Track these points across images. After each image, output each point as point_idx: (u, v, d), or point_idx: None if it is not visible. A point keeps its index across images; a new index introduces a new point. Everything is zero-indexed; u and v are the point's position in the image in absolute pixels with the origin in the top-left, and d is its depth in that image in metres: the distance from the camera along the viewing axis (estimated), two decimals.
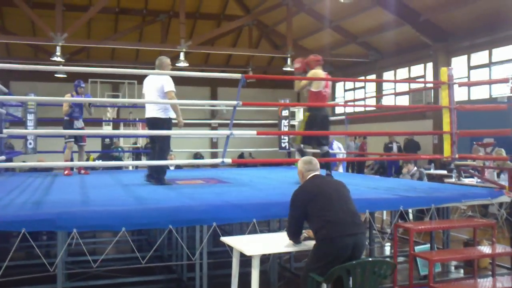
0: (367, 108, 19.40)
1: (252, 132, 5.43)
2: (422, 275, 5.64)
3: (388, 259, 4.25)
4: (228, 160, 5.24)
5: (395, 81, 19.92)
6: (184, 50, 16.92)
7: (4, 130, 4.73)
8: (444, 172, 11.85)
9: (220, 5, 21.17)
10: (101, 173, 9.05)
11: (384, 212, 8.31)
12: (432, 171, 12.58)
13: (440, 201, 5.42)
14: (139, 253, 4.53)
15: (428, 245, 5.94)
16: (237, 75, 5.10)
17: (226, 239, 4.43)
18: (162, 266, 6.12)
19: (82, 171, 8.31)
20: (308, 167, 4.13)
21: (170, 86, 6.22)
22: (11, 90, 22.22)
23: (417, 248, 5.67)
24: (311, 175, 4.10)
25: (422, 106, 14.59)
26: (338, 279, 3.58)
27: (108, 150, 14.89)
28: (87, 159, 16.40)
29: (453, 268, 6.33)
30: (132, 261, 4.87)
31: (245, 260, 4.22)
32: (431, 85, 14.27)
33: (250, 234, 4.69)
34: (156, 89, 6.26)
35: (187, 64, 17.43)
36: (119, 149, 15.81)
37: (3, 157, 6.15)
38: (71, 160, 8.17)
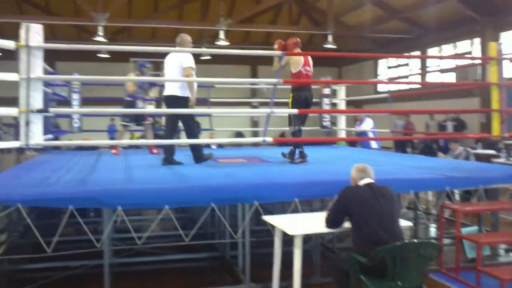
0: (411, 86, 18.94)
1: (294, 111, 5.35)
2: (469, 258, 5.49)
3: (433, 241, 4.13)
4: (269, 139, 5.20)
5: (440, 57, 19.32)
6: (223, 28, 16.86)
7: (51, 109, 4.81)
8: (493, 152, 11.46)
9: None
10: (146, 152, 9.14)
11: (430, 192, 8.11)
12: (479, 151, 12.19)
13: (488, 181, 5.24)
14: (184, 231, 4.58)
15: (475, 227, 5.77)
16: (278, 52, 5.03)
17: (268, 218, 4.42)
18: (206, 244, 6.17)
19: (155, 151, 8.38)
20: (361, 175, 4.02)
21: (188, 61, 6.11)
22: (56, 70, 22.88)
23: (464, 230, 5.51)
24: (363, 182, 3.98)
25: (469, 83, 14.07)
26: (381, 260, 3.52)
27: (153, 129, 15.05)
28: (131, 138, 16.71)
29: (502, 251, 6.14)
30: (176, 239, 4.92)
31: (287, 239, 4.20)
32: (478, 61, 13.75)
33: (292, 213, 4.68)
34: (177, 66, 6.17)
35: (227, 43, 17.37)
36: (163, 127, 15.97)
37: (50, 136, 6.30)
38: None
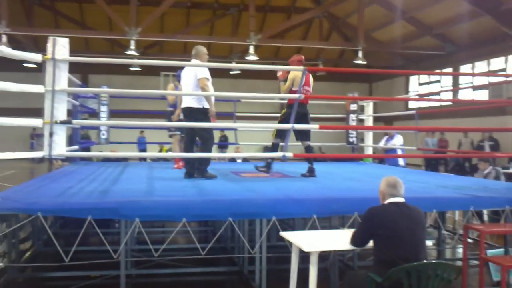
0: (443, 103, 18.64)
1: (315, 126, 5.33)
2: (495, 281, 5.30)
3: (451, 262, 4.01)
4: (289, 154, 5.17)
5: (473, 74, 18.98)
6: (253, 43, 16.98)
7: (74, 121, 4.91)
8: None
9: None
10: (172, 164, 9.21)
11: (457, 212, 7.92)
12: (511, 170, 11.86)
13: None
14: (205, 244, 4.58)
15: (502, 249, 5.58)
16: (300, 68, 5.01)
17: (285, 234, 4.38)
18: (226, 258, 6.16)
19: (181, 163, 8.14)
20: (391, 191, 3.80)
21: (203, 72, 6.05)
22: (89, 82, 23.47)
23: (490, 252, 5.33)
24: (391, 200, 3.79)
25: (501, 100, 13.80)
26: (398, 280, 3.43)
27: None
28: (160, 151, 16.93)
29: None
30: (196, 252, 4.91)
31: (306, 256, 4.14)
32: None
33: (312, 230, 4.62)
34: (192, 78, 6.14)
35: (257, 58, 17.48)
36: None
37: (76, 147, 6.42)
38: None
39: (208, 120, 6.18)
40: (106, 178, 6.28)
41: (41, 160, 10.73)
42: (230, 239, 6.48)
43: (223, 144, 16.91)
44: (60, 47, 4.59)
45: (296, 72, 6.44)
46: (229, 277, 5.70)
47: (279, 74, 6.80)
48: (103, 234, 6.14)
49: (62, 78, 4.58)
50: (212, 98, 6.27)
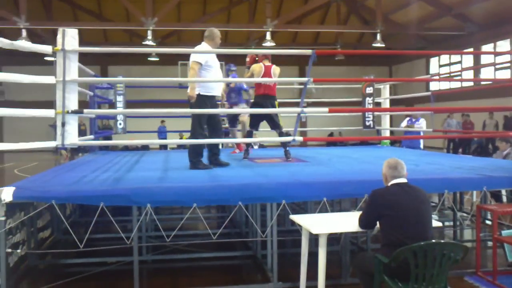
0: (464, 84, 18.32)
1: (324, 109, 5.32)
2: (510, 262, 5.27)
3: (459, 243, 3.98)
4: (299, 138, 5.19)
5: (494, 53, 18.54)
6: (270, 29, 16.92)
7: (85, 110, 5.00)
8: None
9: None
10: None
11: (474, 193, 7.83)
12: None
13: None
14: (222, 229, 4.63)
15: None
16: (308, 51, 5.00)
17: (295, 217, 4.41)
18: (241, 243, 6.23)
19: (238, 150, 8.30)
20: (393, 172, 3.82)
21: (194, 56, 5.64)
22: (109, 73, 23.71)
23: (505, 232, 5.29)
24: (394, 181, 3.81)
25: None
26: (404, 260, 3.43)
27: None
28: (180, 138, 17.07)
29: None
30: (210, 237, 4.96)
31: (317, 239, 4.17)
32: None
33: (322, 213, 4.65)
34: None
35: (274, 44, 17.42)
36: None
37: (91, 136, 6.53)
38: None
39: (198, 106, 5.69)
40: (121, 167, 6.38)
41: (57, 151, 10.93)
42: (245, 224, 6.55)
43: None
44: (70, 38, 4.66)
45: (255, 65, 6.80)
46: (243, 261, 5.77)
47: (247, 59, 7.05)
48: (122, 222, 6.31)
49: (73, 69, 4.66)
50: (197, 82, 5.70)
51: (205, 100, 5.75)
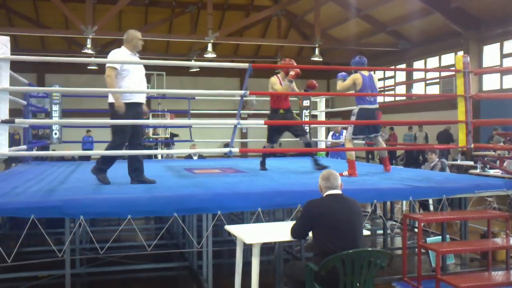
0: (397, 98, 19.17)
1: (260, 122, 5.45)
2: (434, 267, 5.56)
3: (385, 250, 4.18)
4: (235, 150, 5.28)
5: (424, 70, 19.61)
6: (212, 41, 17.00)
7: (17, 120, 4.87)
8: (471, 163, 11.60)
9: None
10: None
11: (404, 202, 8.20)
12: (459, 162, 12.34)
13: (451, 191, 5.31)
14: (159, 240, 4.60)
15: (440, 237, 5.85)
16: (244, 65, 5.13)
17: (230, 228, 4.48)
18: (179, 254, 6.23)
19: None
20: (326, 183, 3.95)
21: (109, 61, 5.24)
22: (46, 82, 22.99)
23: (430, 240, 5.59)
24: (327, 193, 3.94)
25: (438, 94, 14.35)
26: (333, 269, 3.57)
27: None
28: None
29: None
30: (151, 249, 4.91)
31: (251, 249, 4.25)
32: None
33: (257, 223, 4.75)
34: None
35: (215, 55, 17.51)
36: (150, 139, 16.20)
37: (24, 147, 6.35)
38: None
39: (120, 116, 5.18)
40: (55, 178, 6.24)
41: None
42: (182, 235, 6.55)
43: (168, 142, 16.91)
44: (0, 45, 4.55)
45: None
46: (179, 272, 5.78)
47: (292, 73, 6.71)
48: (56, 234, 6.15)
49: (3, 78, 4.54)
50: (115, 89, 5.18)
51: (126, 109, 5.22)
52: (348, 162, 6.35)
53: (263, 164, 7.24)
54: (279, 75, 7.03)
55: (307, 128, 9.33)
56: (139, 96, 5.43)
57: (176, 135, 17.67)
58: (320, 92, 17.45)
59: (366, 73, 6.36)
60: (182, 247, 6.28)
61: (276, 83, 6.91)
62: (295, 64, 6.89)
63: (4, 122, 4.51)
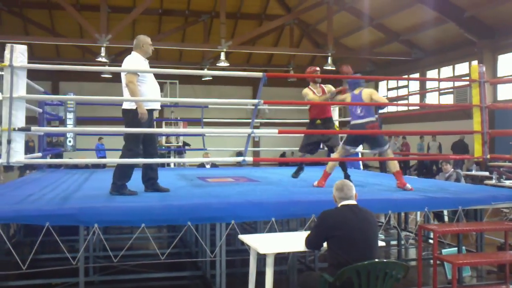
0: (410, 108, 19.05)
1: (274, 131, 5.43)
2: (450, 279, 5.49)
3: (401, 262, 4.14)
4: (249, 159, 5.26)
5: (429, 79, 19.72)
6: (224, 50, 17.07)
7: (33, 128, 4.91)
8: (486, 173, 11.46)
9: (261, 5, 21.27)
10: None
11: (418, 213, 8.12)
12: (474, 173, 12.21)
13: (468, 203, 5.25)
14: (173, 249, 4.58)
15: (456, 248, 5.77)
16: (258, 74, 5.11)
17: (244, 237, 4.46)
18: (191, 263, 6.21)
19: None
20: (339, 194, 3.92)
21: (128, 68, 5.19)
22: (60, 90, 23.21)
23: (445, 251, 5.53)
24: (342, 203, 3.91)
25: (453, 104, 14.21)
26: (348, 280, 3.54)
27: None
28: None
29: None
30: (165, 257, 4.90)
31: (266, 259, 4.23)
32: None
33: (271, 232, 4.72)
34: (123, 75, 5.24)
35: (228, 64, 17.57)
36: (163, 147, 16.28)
37: (39, 154, 6.39)
38: None
39: (137, 123, 5.11)
40: (69, 185, 6.27)
41: (9, 168, 10.59)
42: (195, 244, 6.53)
43: (180, 150, 16.92)
44: (18, 54, 4.59)
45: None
46: (192, 282, 5.75)
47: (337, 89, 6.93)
48: (70, 241, 6.16)
49: (20, 85, 4.58)
50: (140, 97, 5.11)
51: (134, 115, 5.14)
52: (324, 172, 6.40)
53: (297, 172, 7.00)
54: (310, 86, 6.95)
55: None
56: (155, 103, 5.47)
57: (188, 145, 17.70)
58: (336, 102, 17.39)
59: (357, 91, 6.26)
60: (195, 256, 6.26)
61: (309, 93, 6.86)
62: (319, 72, 7.07)
63: (20, 129, 4.54)
